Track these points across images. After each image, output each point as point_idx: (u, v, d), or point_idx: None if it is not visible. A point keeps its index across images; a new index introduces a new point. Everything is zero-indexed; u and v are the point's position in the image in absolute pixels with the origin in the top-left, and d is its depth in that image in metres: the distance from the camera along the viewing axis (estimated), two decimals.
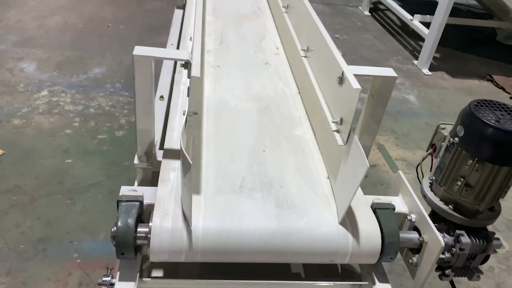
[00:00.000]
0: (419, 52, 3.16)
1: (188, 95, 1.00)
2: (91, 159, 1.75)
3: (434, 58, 3.25)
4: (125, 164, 1.75)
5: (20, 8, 3.02)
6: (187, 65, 1.00)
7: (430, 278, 0.99)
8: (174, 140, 1.15)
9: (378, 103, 1.10)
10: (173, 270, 1.05)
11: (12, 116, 1.94)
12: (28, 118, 1.93)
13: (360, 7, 4.13)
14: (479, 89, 2.91)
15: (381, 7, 4.15)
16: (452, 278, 1.04)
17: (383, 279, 1.02)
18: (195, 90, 0.93)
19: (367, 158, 1.02)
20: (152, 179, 1.18)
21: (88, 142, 1.84)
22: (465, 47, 3.56)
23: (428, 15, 3.08)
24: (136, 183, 1.16)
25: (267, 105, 1.29)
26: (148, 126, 1.10)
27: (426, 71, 3.03)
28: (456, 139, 0.94)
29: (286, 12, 1.76)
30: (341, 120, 1.03)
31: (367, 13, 4.04)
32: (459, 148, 0.93)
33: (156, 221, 0.91)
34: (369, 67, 1.08)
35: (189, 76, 0.98)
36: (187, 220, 0.91)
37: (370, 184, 1.79)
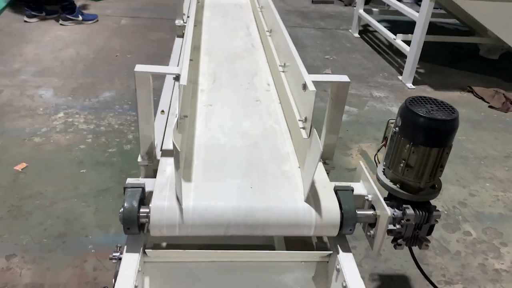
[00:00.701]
0: (404, 68, 3.40)
1: (178, 101, 1.24)
2: (103, 169, 1.98)
3: (418, 73, 3.49)
4: (132, 172, 1.98)
5: (36, 43, 3.34)
6: (178, 77, 1.24)
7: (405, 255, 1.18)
8: (171, 143, 1.38)
9: (336, 105, 1.32)
10: (172, 246, 1.26)
11: (33, 135, 2.20)
12: (47, 137, 2.19)
13: (350, 30, 4.42)
14: (460, 99, 3.12)
15: (370, 29, 4.43)
16: (408, 247, 1.23)
17: (346, 250, 1.21)
18: (183, 97, 1.16)
19: (332, 153, 1.25)
20: (153, 176, 1.41)
21: (100, 155, 2.08)
22: (449, 62, 3.80)
23: (410, 34, 3.34)
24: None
25: (256, 142, 1.37)
26: (149, 131, 1.33)
27: (409, 85, 3.26)
28: (397, 128, 1.16)
29: (270, 36, 2.02)
30: (305, 118, 1.26)
31: (356, 35, 4.32)
32: (399, 136, 1.14)
33: (155, 201, 1.13)
34: (327, 75, 1.31)
35: (179, 86, 1.22)
36: (179, 200, 1.13)
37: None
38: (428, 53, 3.86)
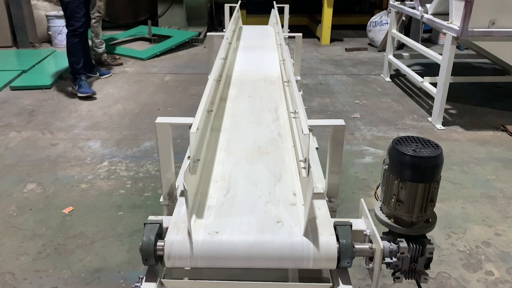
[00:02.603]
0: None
1: (190, 147, 1.42)
2: (138, 211, 2.19)
3: (450, 113, 3.49)
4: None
5: (90, 100, 3.77)
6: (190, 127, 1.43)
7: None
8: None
9: (335, 147, 1.44)
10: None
11: (81, 182, 2.48)
12: (92, 183, 2.45)
13: (381, 75, 4.54)
14: (492, 139, 3.07)
15: (402, 72, 4.51)
16: (416, 281, 1.26)
17: (346, 282, 1.27)
18: (194, 143, 1.34)
19: (336, 193, 1.38)
20: None
21: (137, 198, 2.30)
22: (484, 102, 3.76)
23: (437, 76, 3.39)
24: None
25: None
26: (169, 174, 1.51)
27: (439, 126, 3.26)
28: (386, 166, 1.25)
29: (287, 86, 2.21)
30: (305, 159, 1.38)
31: (388, 79, 4.42)
32: (388, 173, 1.23)
33: (169, 236, 1.28)
34: (323, 120, 1.44)
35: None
36: (189, 234, 1.27)
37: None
38: (463, 94, 3.86)
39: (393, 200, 1.24)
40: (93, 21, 4.56)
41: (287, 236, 1.26)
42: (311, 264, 1.26)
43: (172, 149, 1.47)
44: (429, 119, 3.40)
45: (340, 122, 1.42)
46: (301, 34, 2.60)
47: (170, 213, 1.58)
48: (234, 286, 1.34)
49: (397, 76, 4.51)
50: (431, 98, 3.71)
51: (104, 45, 4.78)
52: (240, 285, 1.34)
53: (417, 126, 3.30)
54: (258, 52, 2.83)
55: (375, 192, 1.43)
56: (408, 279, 1.28)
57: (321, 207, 1.39)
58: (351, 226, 1.31)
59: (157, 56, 5.18)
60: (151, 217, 1.38)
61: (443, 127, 3.25)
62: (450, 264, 1.83)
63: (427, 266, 1.26)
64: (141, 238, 1.30)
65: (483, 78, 3.85)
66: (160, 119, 1.41)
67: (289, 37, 2.97)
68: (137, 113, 3.49)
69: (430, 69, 4.42)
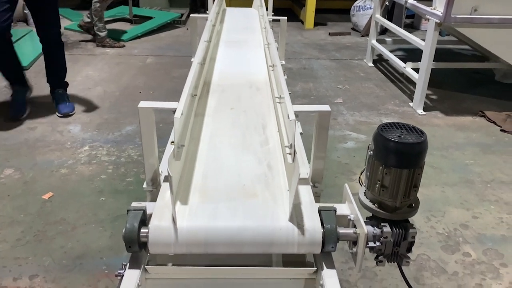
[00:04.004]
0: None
1: (174, 132, 1.40)
2: (120, 197, 2.16)
3: (431, 99, 3.54)
4: (145, 199, 2.13)
5: (70, 82, 3.65)
6: (174, 112, 1.40)
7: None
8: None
9: (320, 132, 1.44)
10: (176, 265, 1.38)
11: (61, 167, 2.42)
12: (73, 168, 2.40)
13: (364, 60, 4.55)
14: (471, 124, 3.13)
15: (385, 57, 4.53)
16: (386, 264, 1.29)
17: (330, 266, 1.29)
18: (178, 128, 1.32)
19: (320, 178, 1.37)
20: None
21: (119, 184, 2.27)
22: (464, 88, 3.83)
23: (419, 62, 3.42)
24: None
25: None
26: (153, 160, 1.49)
27: (420, 111, 3.31)
28: (371, 152, 1.26)
29: (272, 70, 2.19)
30: (291, 145, 1.38)
31: (370, 64, 4.44)
32: (373, 159, 1.24)
33: (154, 222, 1.26)
34: (309, 105, 1.43)
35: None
36: (174, 221, 1.26)
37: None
38: (444, 79, 3.91)
39: (377, 185, 1.25)
40: (96, 5, 4.44)
41: (272, 222, 1.27)
42: (296, 249, 1.27)
43: (155, 134, 1.44)
44: (411, 104, 3.44)
45: (326, 108, 1.42)
46: (285, 17, 2.57)
47: (153, 199, 1.55)
48: (219, 271, 1.35)
49: (379, 61, 4.54)
50: (413, 83, 3.75)
51: (106, 30, 4.71)
52: (224, 270, 1.34)
53: (399, 111, 3.34)
54: (242, 46, 2.62)
55: (359, 178, 1.45)
56: (391, 262, 1.30)
57: (306, 193, 1.40)
58: (335, 211, 1.32)
59: (138, 37, 5.06)
60: (134, 204, 1.36)
61: (424, 113, 3.30)
62: (430, 246, 1.88)
63: (409, 249, 1.29)
64: (125, 225, 1.28)
65: (464, 64, 3.91)
66: (143, 104, 1.38)
67: (274, 20, 2.93)
68: (118, 96, 3.42)
69: (412, 54, 4.45)
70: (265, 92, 1.95)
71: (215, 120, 1.64)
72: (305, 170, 1.54)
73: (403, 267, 1.37)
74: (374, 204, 1.29)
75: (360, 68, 4.33)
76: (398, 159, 1.19)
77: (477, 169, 2.51)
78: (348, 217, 1.33)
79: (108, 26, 5.48)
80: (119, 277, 1.35)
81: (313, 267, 1.38)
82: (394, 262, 1.31)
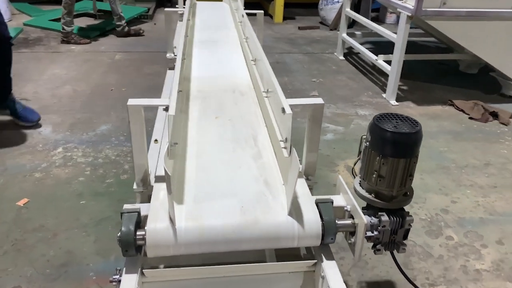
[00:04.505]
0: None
1: (168, 130, 1.35)
2: (101, 199, 2.08)
3: (402, 90, 3.64)
4: (130, 200, 2.05)
5: (35, 82, 3.49)
6: (167, 108, 1.36)
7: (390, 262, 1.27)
8: (162, 170, 1.49)
9: (314, 125, 1.44)
10: (169, 267, 1.34)
11: (34, 171, 2.30)
12: (47, 171, 2.29)
13: (335, 53, 4.61)
14: (442, 113, 3.25)
15: (354, 51, 4.62)
16: (391, 253, 1.32)
17: (330, 258, 1.30)
18: (172, 126, 1.28)
19: (314, 170, 1.36)
20: (148, 201, 1.50)
21: (98, 186, 2.18)
22: (432, 79, 3.96)
23: (390, 54, 3.50)
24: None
25: None
26: (142, 160, 1.44)
27: (393, 102, 3.40)
28: (367, 143, 1.27)
29: (254, 64, 2.17)
30: (286, 139, 1.37)
31: (341, 58, 4.50)
32: (370, 149, 1.26)
33: (150, 225, 1.22)
34: (303, 99, 1.43)
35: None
36: (172, 221, 1.23)
37: None
38: (412, 71, 4.03)
39: (374, 175, 1.27)
40: None
41: (272, 217, 1.26)
42: (296, 243, 1.26)
43: (145, 133, 1.39)
44: (384, 95, 3.53)
45: (319, 101, 1.42)
46: (262, 11, 2.55)
47: (144, 200, 1.51)
48: (218, 270, 1.32)
49: (350, 54, 4.61)
50: (384, 75, 3.84)
51: (73, 25, 4.53)
52: (223, 268, 1.32)
53: (373, 103, 3.41)
54: (218, 46, 2.50)
55: (352, 169, 1.46)
56: (388, 250, 1.33)
57: (301, 186, 1.40)
58: (332, 202, 1.33)
59: (105, 34, 4.88)
60: (126, 206, 1.31)
61: (397, 103, 3.39)
62: (414, 232, 1.94)
63: (405, 236, 1.32)
64: (120, 228, 1.23)
65: (433, 56, 4.04)
66: (132, 101, 1.32)
67: (248, 14, 2.91)
68: (89, 95, 3.29)
69: (379, 47, 4.56)
70: (250, 98, 1.86)
71: (200, 133, 1.52)
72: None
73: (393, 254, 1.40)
74: (370, 194, 1.31)
75: (331, 62, 4.39)
76: (395, 149, 1.21)
77: (451, 155, 2.61)
78: (345, 208, 1.34)
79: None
80: (114, 283, 1.30)
81: (311, 259, 1.38)
82: (392, 250, 1.33)
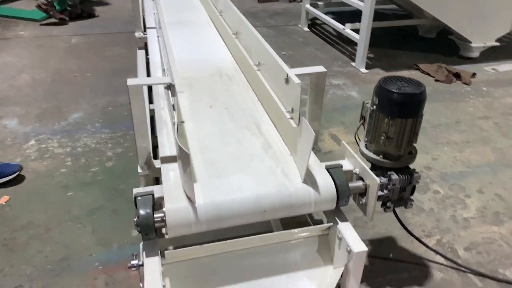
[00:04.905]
0: (355, 55, 3.62)
1: (174, 109, 1.31)
2: (90, 189, 2.00)
3: (369, 58, 3.73)
4: (120, 187, 2.00)
5: None
6: (169, 87, 1.31)
7: (388, 220, 1.33)
8: (166, 150, 1.45)
9: (317, 93, 1.45)
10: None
11: None
12: (24, 166, 2.15)
13: (299, 25, 4.62)
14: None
15: (318, 22, 4.65)
16: (393, 209, 1.38)
17: (344, 220, 1.34)
18: (180, 104, 1.24)
19: (316, 138, 1.37)
20: (152, 184, 1.47)
21: (83, 175, 2.09)
22: (394, 45, 4.08)
23: (357, 23, 3.55)
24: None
25: None
26: (145, 142, 1.39)
27: (363, 70, 3.49)
28: (374, 106, 1.30)
29: (236, 38, 2.12)
30: (292, 109, 1.37)
31: (306, 29, 4.52)
32: (377, 112, 1.29)
33: (168, 205, 1.19)
34: (305, 68, 1.43)
35: (173, 94, 1.30)
36: (191, 199, 1.21)
37: None
38: (374, 39, 4.12)
39: (382, 137, 1.31)
40: None
41: (288, 186, 1.27)
42: (312, 208, 1.29)
43: (147, 114, 1.34)
44: (353, 64, 3.60)
45: (322, 69, 1.42)
46: None
47: (148, 183, 1.47)
48: (236, 243, 1.33)
49: (314, 25, 4.64)
50: (351, 44, 3.91)
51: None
52: (242, 241, 1.33)
53: (344, 72, 3.48)
54: (190, 28, 2.41)
55: (355, 135, 1.50)
56: (397, 207, 1.40)
57: (311, 154, 1.41)
58: (342, 167, 1.37)
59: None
60: (137, 189, 1.27)
61: (366, 71, 3.48)
62: None
63: (412, 192, 1.39)
64: (136, 212, 1.20)
65: (399, 22, 4.12)
66: (132, 81, 1.26)
67: None
68: (51, 83, 3.09)
69: (342, 17, 4.60)
70: (240, 82, 1.81)
71: (197, 126, 1.44)
72: None
73: (388, 213, 1.46)
74: (378, 155, 1.35)
75: (297, 34, 4.40)
76: (404, 110, 1.26)
77: (425, 116, 2.70)
78: (354, 172, 1.38)
79: (11, 5, 4.88)
80: (133, 269, 1.27)
81: (320, 224, 1.42)
82: (401, 207, 1.40)
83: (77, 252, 1.65)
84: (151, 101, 1.96)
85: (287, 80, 1.39)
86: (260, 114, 1.55)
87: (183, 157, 1.14)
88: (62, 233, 1.74)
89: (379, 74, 3.43)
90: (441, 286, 1.50)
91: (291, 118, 1.39)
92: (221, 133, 1.42)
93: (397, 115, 1.25)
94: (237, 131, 1.43)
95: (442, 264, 1.58)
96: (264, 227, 1.52)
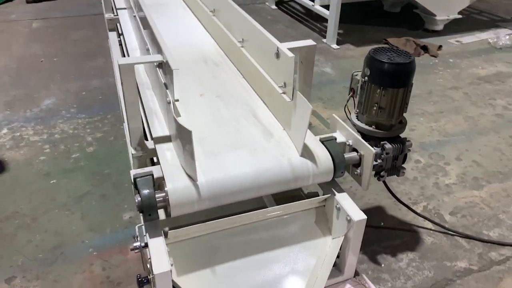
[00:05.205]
0: (325, 31, 3.65)
1: (167, 88, 1.29)
2: (73, 175, 1.94)
3: (339, 34, 3.78)
4: (106, 172, 1.96)
5: None
6: (161, 64, 1.28)
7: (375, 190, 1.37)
8: (158, 131, 1.43)
9: (307, 67, 1.47)
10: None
11: None
12: None
13: (267, 3, 4.58)
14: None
15: None
16: (385, 179, 1.44)
17: (340, 191, 1.39)
18: (175, 81, 1.21)
19: None
20: (145, 165, 1.44)
21: (65, 162, 2.02)
22: (361, 21, 4.15)
23: None
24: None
25: None
26: (137, 123, 1.36)
27: (334, 46, 3.53)
28: (366, 78, 1.34)
29: (214, 16, 2.08)
30: (285, 84, 1.38)
31: (274, 7, 4.49)
32: (369, 83, 1.33)
33: (170, 185, 1.19)
34: (295, 42, 1.44)
35: (165, 72, 1.27)
36: (192, 178, 1.20)
37: None
38: (342, 15, 4.17)
39: (374, 108, 1.35)
40: None
41: (287, 160, 1.29)
42: (311, 181, 1.33)
43: (138, 95, 1.31)
44: (324, 40, 3.64)
45: (311, 42, 1.43)
46: None
47: (141, 165, 1.45)
48: (238, 219, 1.35)
49: (281, 3, 4.62)
50: (320, 20, 3.93)
51: None
52: (243, 217, 1.34)
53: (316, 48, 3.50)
54: (163, 11, 2.30)
55: (345, 107, 1.53)
56: (390, 175, 1.45)
57: None
58: (336, 139, 1.40)
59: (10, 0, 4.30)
60: (136, 171, 1.26)
61: (338, 46, 3.53)
62: None
63: (403, 161, 1.45)
64: (137, 193, 1.19)
65: None
66: (123, 60, 1.22)
67: None
68: (17, 69, 2.93)
69: None
70: (227, 67, 1.76)
71: (189, 116, 1.38)
72: None
73: (374, 184, 1.50)
74: (371, 126, 1.40)
75: (265, 12, 4.37)
76: (395, 79, 1.30)
77: None
78: (347, 143, 1.42)
79: None
80: (135, 251, 1.27)
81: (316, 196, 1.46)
82: (393, 175, 1.46)
83: (69, 239, 1.61)
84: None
85: (277, 54, 1.39)
86: (254, 102, 1.52)
87: (185, 135, 1.13)
88: (50, 221, 1.70)
89: (350, 49, 3.49)
90: (432, 249, 1.59)
91: (284, 93, 1.40)
92: (217, 122, 1.38)
93: (389, 85, 1.29)
94: (232, 119, 1.39)
95: (430, 229, 1.67)
96: (256, 204, 1.54)
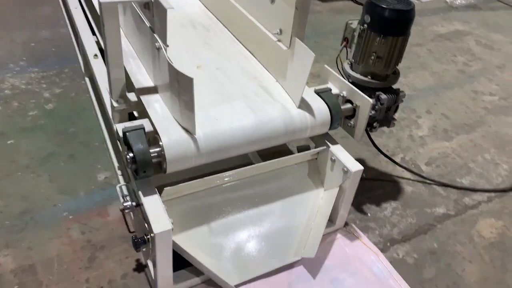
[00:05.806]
0: None
1: (155, 32, 1.15)
2: (33, 135, 1.75)
3: None
4: (71, 130, 1.79)
5: None
6: (148, 5, 1.14)
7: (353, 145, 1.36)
8: (142, 81, 1.30)
9: (302, 13, 1.38)
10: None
11: None
12: None
13: None
14: (344, 7, 3.42)
15: None
16: (377, 130, 1.44)
17: (335, 143, 1.37)
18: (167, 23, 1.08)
19: None
20: (127, 120, 1.31)
21: (22, 120, 1.81)
22: None
23: None
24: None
25: None
26: (120, 74, 1.21)
27: None
28: (365, 25, 1.29)
29: None
30: (281, 30, 1.30)
31: None
32: (369, 31, 1.28)
33: (165, 138, 1.09)
34: None
35: (152, 14, 1.13)
36: (189, 131, 1.11)
37: None
38: None
39: (372, 57, 1.31)
40: None
41: (285, 112, 1.23)
42: (309, 133, 1.29)
43: (121, 39, 1.16)
44: None
45: None
46: None
47: (123, 119, 1.32)
48: (234, 174, 1.29)
49: None
50: None
51: None
52: (239, 172, 1.29)
53: None
54: None
55: (337, 58, 1.48)
56: (382, 126, 1.45)
57: None
58: (331, 90, 1.36)
59: None
60: (124, 124, 1.14)
61: None
62: None
63: (395, 111, 1.45)
64: (128, 148, 1.08)
65: None
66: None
67: None
68: None
69: None
70: (219, 31, 1.60)
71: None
72: None
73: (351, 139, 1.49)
74: (366, 76, 1.37)
75: None
76: (397, 26, 1.25)
77: None
78: (341, 94, 1.38)
79: None
80: (126, 211, 1.18)
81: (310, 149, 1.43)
82: (385, 126, 1.46)
83: (38, 204, 1.46)
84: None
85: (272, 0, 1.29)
86: (260, 72, 1.41)
87: (184, 84, 1.03)
88: (13, 184, 1.52)
89: (317, 4, 3.41)
90: (413, 197, 1.64)
91: (279, 40, 1.32)
92: (224, 100, 1.25)
93: (389, 33, 1.25)
94: (242, 96, 1.27)
95: (409, 179, 1.72)
96: (241, 161, 1.48)
